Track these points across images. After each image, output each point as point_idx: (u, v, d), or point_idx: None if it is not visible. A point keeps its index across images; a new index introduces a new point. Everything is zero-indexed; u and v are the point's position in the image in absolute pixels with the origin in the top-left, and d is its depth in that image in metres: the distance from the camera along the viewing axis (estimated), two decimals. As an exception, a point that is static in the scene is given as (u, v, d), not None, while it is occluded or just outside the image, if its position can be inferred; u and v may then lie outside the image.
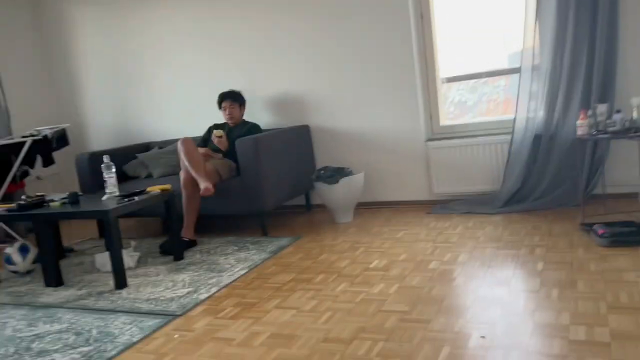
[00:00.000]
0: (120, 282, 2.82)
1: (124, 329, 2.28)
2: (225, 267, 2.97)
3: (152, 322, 2.32)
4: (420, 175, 3.91)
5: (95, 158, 4.11)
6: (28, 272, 3.35)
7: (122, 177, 4.31)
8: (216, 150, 3.85)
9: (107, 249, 2.86)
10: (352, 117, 4.01)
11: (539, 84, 3.39)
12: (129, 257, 3.20)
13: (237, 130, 3.95)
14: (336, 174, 3.63)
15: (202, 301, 2.51)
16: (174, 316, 2.36)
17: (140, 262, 3.28)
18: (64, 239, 4.24)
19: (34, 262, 3.34)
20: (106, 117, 5.02)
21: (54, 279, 3.00)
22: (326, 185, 3.60)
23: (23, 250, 3.32)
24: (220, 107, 4.04)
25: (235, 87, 4.27)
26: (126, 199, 2.98)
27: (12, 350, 2.20)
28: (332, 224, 3.69)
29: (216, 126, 4.10)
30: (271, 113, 4.30)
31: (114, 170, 3.23)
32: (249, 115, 4.28)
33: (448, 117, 4.01)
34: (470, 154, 3.71)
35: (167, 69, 4.64)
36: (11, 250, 3.31)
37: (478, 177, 3.72)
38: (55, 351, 2.14)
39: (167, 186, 3.25)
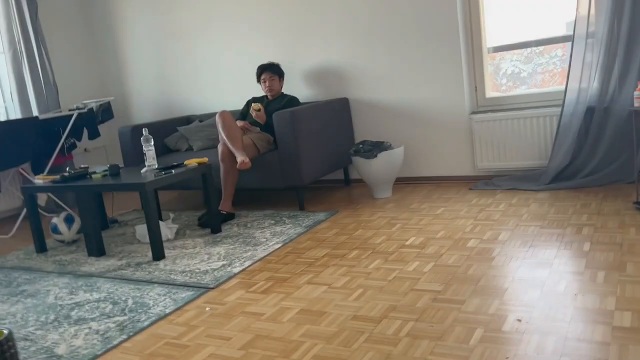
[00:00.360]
0: (158, 254, 2.87)
1: (158, 300, 2.32)
2: (260, 241, 2.97)
3: (185, 294, 2.35)
4: (463, 150, 3.77)
5: (137, 131, 4.18)
6: (73, 242, 3.46)
7: (163, 150, 4.38)
8: (254, 123, 3.83)
9: (146, 221, 2.91)
10: (393, 90, 3.89)
11: (593, 52, 3.17)
12: (167, 229, 3.25)
13: (275, 103, 3.91)
14: (374, 148, 3.54)
15: (236, 274, 2.52)
16: (207, 289, 2.38)
17: (178, 234, 3.33)
18: (111, 210, 4.38)
19: (79, 232, 3.44)
20: (149, 90, 5.08)
21: (96, 249, 3.08)
22: (364, 160, 3.52)
23: (68, 220, 3.43)
24: (259, 79, 4.00)
25: (275, 59, 4.22)
26: (163, 172, 3.01)
27: (52, 317, 2.27)
28: (370, 199, 3.63)
29: (254, 99, 4.07)
30: (310, 86, 4.23)
31: (152, 143, 3.26)
32: (287, 89, 4.22)
33: (500, 89, 3.82)
34: (517, 128, 3.54)
35: (209, 42, 4.62)
36: (57, 220, 3.42)
37: (524, 151, 3.55)
38: (92, 319, 2.19)
39: (204, 159, 3.26)
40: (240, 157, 3.36)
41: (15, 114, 4.57)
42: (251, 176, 3.62)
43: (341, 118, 3.96)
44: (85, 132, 4.63)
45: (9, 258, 3.32)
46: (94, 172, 3.27)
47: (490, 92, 3.78)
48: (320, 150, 3.66)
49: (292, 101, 3.89)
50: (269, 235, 3.06)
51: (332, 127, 3.83)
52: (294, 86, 4.26)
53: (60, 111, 4.52)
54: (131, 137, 4.17)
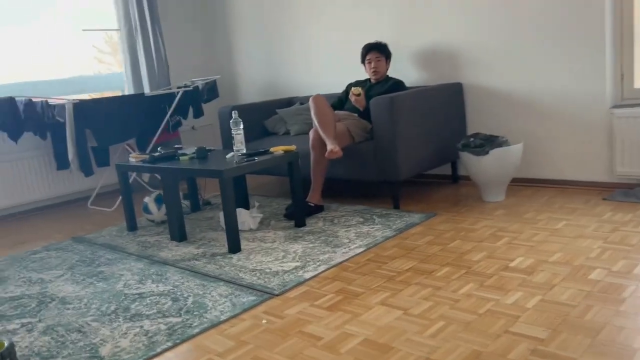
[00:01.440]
0: (233, 246, 2.69)
1: (218, 302, 2.12)
2: (342, 242, 2.67)
3: (247, 298, 2.12)
4: (598, 150, 3.12)
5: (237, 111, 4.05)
6: (162, 222, 3.43)
7: (262, 133, 4.23)
8: (353, 110, 3.50)
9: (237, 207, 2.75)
10: (515, 75, 3.33)
11: None
12: (250, 218, 3.07)
13: (378, 87, 3.55)
14: (486, 143, 3.05)
15: (306, 281, 2.25)
16: (271, 295, 2.14)
17: (262, 224, 3.14)
18: (204, 191, 4.33)
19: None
20: (257, 70, 4.96)
21: (178, 234, 2.99)
22: (473, 157, 3.05)
23: (158, 200, 3.40)
24: (363, 60, 3.65)
25: (381, 39, 3.83)
26: (246, 159, 2.81)
27: (112, 307, 2.18)
28: (477, 202, 3.15)
29: (357, 83, 3.74)
30: (419, 69, 3.79)
31: (241, 126, 3.08)
32: (394, 72, 3.82)
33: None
34: (674, 128, 2.83)
35: (318, 22, 4.35)
36: (148, 200, 3.40)
37: (682, 158, 2.84)
38: (148, 317, 2.05)
39: (292, 147, 3.01)
40: (330, 145, 3.07)
41: (129, 90, 4.70)
42: (344, 166, 3.32)
43: (452, 106, 3.49)
44: (191, 111, 4.64)
45: (103, 234, 3.37)
46: (184, 154, 3.18)
47: (641, 82, 3.08)
48: (424, 142, 3.24)
49: (397, 85, 3.50)
50: (353, 236, 2.74)
51: (440, 116, 3.38)
52: (402, 69, 3.85)
53: (170, 88, 4.55)
54: (230, 118, 4.05)
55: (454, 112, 3.50)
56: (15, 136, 3.85)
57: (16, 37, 4.19)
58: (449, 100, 3.46)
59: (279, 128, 4.16)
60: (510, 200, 3.11)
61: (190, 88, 4.58)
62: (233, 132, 3.10)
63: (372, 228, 2.85)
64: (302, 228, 2.99)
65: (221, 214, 3.16)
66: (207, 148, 3.25)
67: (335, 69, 4.31)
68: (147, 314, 2.09)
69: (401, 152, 3.07)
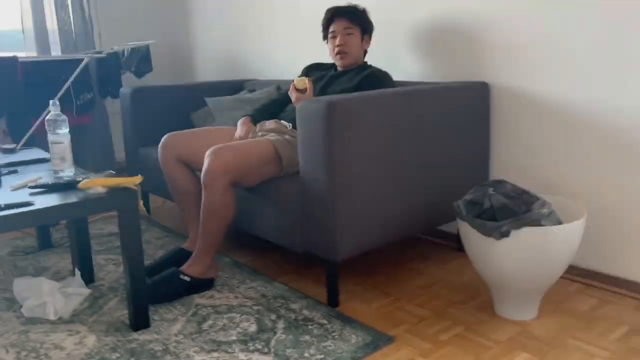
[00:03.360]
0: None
1: None
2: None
3: None
4: None
5: (143, 95, 2.68)
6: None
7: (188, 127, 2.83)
8: (293, 116, 2.04)
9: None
10: (581, 83, 1.77)
11: None
12: (60, 297, 1.70)
13: (344, 80, 2.07)
14: (511, 209, 1.53)
15: None
16: None
17: (82, 311, 1.76)
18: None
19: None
20: (218, 41, 3.53)
21: None
22: (480, 236, 1.54)
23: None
24: (325, 33, 2.17)
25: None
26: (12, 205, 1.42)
27: None
28: (485, 315, 1.65)
29: (314, 70, 2.27)
30: (421, 58, 2.27)
31: (64, 130, 1.71)
32: (379, 60, 2.33)
33: None
34: None
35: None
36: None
37: None
38: None
39: (134, 179, 1.59)
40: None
41: (28, 54, 3.37)
42: (251, 215, 1.89)
43: (467, 121, 1.96)
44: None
45: None
46: None
47: None
48: (401, 186, 1.76)
49: (374, 78, 2.00)
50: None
51: (442, 139, 1.87)
52: (393, 57, 2.35)
53: (91, 54, 3.21)
54: (131, 103, 2.67)
55: (470, 132, 1.98)
56: None
57: None
58: (463, 110, 1.94)
59: (208, 124, 2.75)
60: (549, 318, 1.59)
61: (103, 55, 3.23)
62: (51, 138, 1.72)
63: (276, 350, 1.42)
64: (137, 334, 1.59)
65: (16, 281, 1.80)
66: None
67: (304, 49, 2.83)
68: None
69: (346, 209, 1.60)
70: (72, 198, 1.47)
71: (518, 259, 1.50)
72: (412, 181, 1.79)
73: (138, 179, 1.58)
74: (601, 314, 1.65)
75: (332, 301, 1.72)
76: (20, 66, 2.90)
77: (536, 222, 1.47)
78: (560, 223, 1.52)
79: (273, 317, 1.66)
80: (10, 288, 1.91)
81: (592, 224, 1.82)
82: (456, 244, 2.21)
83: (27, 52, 3.32)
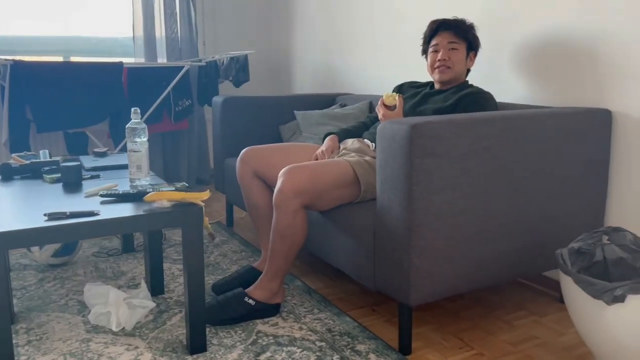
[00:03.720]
0: (5, 385, 1.32)
1: None
2: None
3: None
4: None
5: (235, 105, 2.66)
6: (53, 266, 2.19)
7: (277, 140, 2.78)
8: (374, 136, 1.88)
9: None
10: None
11: None
12: (125, 309, 1.67)
13: (439, 98, 1.88)
14: (629, 270, 1.25)
15: None
16: None
17: (146, 324, 1.72)
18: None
19: (55, 254, 2.14)
20: (315, 54, 3.46)
21: None
22: (589, 298, 1.27)
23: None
24: (426, 47, 1.99)
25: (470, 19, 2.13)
26: (59, 217, 1.39)
27: None
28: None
29: (407, 88, 2.10)
30: (531, 79, 2.01)
31: (143, 139, 1.68)
32: (483, 82, 2.11)
33: None
34: None
35: (390, 4, 2.74)
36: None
37: None
38: None
39: (202, 195, 1.51)
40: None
41: (137, 60, 3.51)
42: (324, 243, 1.74)
43: (582, 152, 1.68)
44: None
45: None
46: (50, 170, 1.87)
47: None
48: (492, 227, 1.52)
49: (475, 99, 1.79)
50: None
51: (548, 176, 1.61)
52: (498, 79, 2.11)
53: (193, 62, 3.29)
54: (221, 112, 2.66)
55: (584, 167, 1.69)
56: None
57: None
58: (576, 141, 1.66)
59: (295, 138, 2.66)
60: (670, 415, 1.28)
61: (203, 63, 3.28)
62: (129, 146, 1.71)
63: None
64: (192, 358, 1.51)
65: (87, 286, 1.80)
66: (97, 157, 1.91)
67: (404, 64, 2.66)
68: None
69: (424, 248, 1.41)
70: (137, 211, 1.42)
71: (635, 330, 1.21)
72: (508, 220, 1.55)
73: (206, 194, 1.50)
74: None
75: (404, 348, 1.52)
76: (126, 72, 3.02)
77: (662, 288, 1.18)
78: (694, 291, 1.21)
79: (336, 357, 1.50)
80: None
81: None
82: (559, 294, 1.92)
83: (135, 59, 3.47)
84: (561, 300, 1.87)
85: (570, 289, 1.32)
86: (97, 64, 2.95)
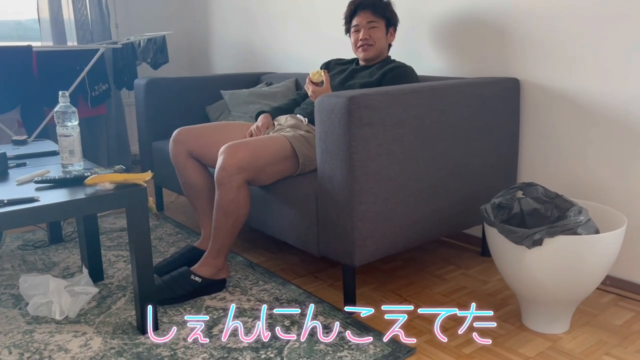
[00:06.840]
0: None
1: None
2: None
3: None
4: None
5: (157, 86, 2.61)
6: (-28, 263, 2.07)
7: (205, 121, 2.76)
8: (311, 111, 1.95)
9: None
10: (623, 78, 1.65)
11: None
12: (66, 297, 1.64)
13: (365, 74, 1.98)
14: (545, 215, 1.43)
15: None
16: None
17: (88, 312, 1.70)
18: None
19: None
20: (234, 32, 3.45)
21: None
22: (509, 243, 1.44)
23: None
24: (348, 27, 2.07)
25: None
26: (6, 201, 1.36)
27: None
28: (512, 325, 1.55)
29: (334, 65, 2.18)
30: (447, 53, 2.16)
31: (74, 122, 1.64)
32: (403, 55, 2.23)
33: None
34: None
35: (305, -44, 2.78)
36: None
37: None
38: None
39: (144, 175, 1.51)
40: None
41: (45, 43, 3.32)
42: (264, 214, 1.80)
43: (497, 118, 1.85)
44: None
45: None
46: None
47: None
48: (422, 189, 1.65)
49: (399, 73, 1.90)
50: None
51: (468, 140, 1.76)
52: (417, 53, 2.24)
53: (108, 44, 3.15)
54: (145, 95, 2.60)
55: (499, 131, 1.87)
56: None
57: None
58: (491, 108, 1.82)
59: (224, 117, 2.67)
60: (582, 336, 1.48)
61: (119, 46, 3.17)
62: (59, 131, 1.66)
63: (258, 379, 1.34)
64: (144, 337, 1.52)
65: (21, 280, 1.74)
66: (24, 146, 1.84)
67: (325, 41, 2.74)
68: None
69: (365, 211, 1.51)
70: (79, 194, 1.39)
71: (551, 269, 1.39)
72: (437, 182, 1.69)
73: (147, 175, 1.51)
74: (638, 328, 1.53)
75: (350, 298, 1.63)
76: (35, 56, 2.86)
77: (572, 231, 1.36)
78: (597, 232, 1.41)
79: (287, 322, 1.58)
80: (18, 284, 1.86)
81: (631, 232, 1.70)
82: (480, 248, 2.11)
83: (43, 42, 3.28)
84: (483, 254, 2.07)
85: (495, 239, 1.48)
86: (3, 48, 2.76)
